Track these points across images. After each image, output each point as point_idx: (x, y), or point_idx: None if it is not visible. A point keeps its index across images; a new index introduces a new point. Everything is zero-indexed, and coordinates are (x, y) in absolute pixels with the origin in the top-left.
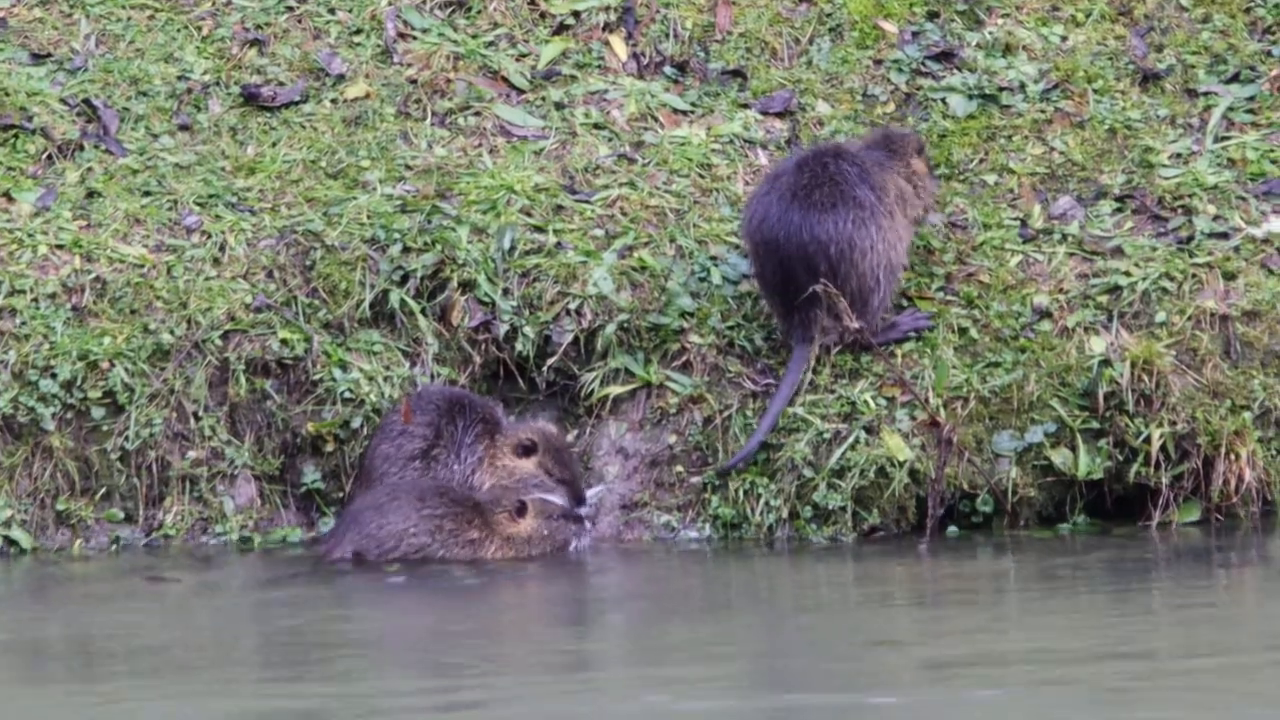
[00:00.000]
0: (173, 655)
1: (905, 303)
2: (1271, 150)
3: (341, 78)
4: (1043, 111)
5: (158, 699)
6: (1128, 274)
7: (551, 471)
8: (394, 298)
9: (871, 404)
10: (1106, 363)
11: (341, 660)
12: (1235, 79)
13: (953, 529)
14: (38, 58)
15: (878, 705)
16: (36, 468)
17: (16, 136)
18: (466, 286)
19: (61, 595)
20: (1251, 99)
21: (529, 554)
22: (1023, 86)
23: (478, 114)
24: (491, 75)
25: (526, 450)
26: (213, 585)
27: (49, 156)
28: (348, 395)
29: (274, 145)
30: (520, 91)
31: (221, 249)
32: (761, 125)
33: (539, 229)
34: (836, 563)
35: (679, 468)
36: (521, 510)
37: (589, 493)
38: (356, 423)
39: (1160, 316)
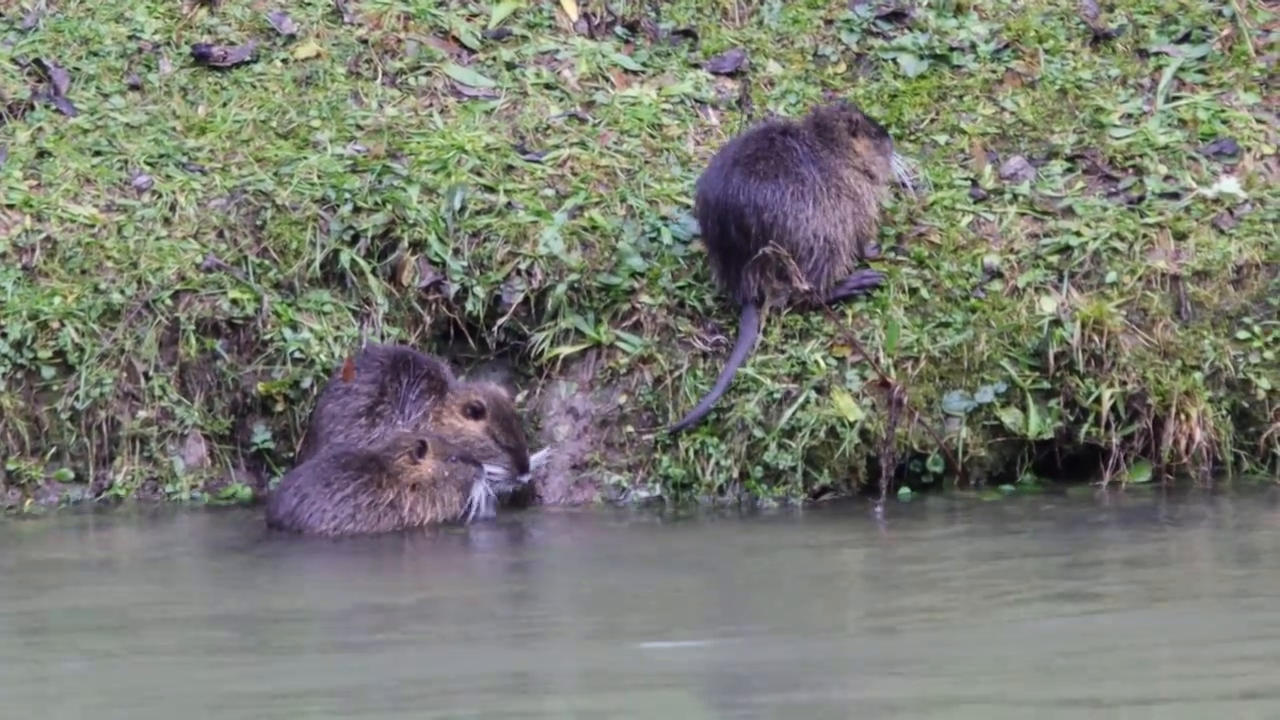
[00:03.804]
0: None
1: (856, 264)
2: (1222, 110)
3: (292, 37)
4: (994, 71)
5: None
6: (1078, 234)
7: (498, 437)
8: (344, 258)
9: (822, 364)
10: (1057, 323)
11: (291, 635)
12: (1186, 39)
13: (905, 490)
14: None
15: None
16: None
17: None
18: (417, 246)
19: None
20: (1203, 59)
21: (442, 505)
22: (974, 46)
23: (428, 74)
24: (442, 35)
25: (476, 412)
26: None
27: None
28: (298, 355)
29: (225, 105)
30: (471, 51)
31: (172, 209)
32: (712, 85)
33: (490, 189)
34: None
35: (629, 428)
36: (421, 450)
37: (534, 457)
38: (307, 383)
39: (1111, 276)
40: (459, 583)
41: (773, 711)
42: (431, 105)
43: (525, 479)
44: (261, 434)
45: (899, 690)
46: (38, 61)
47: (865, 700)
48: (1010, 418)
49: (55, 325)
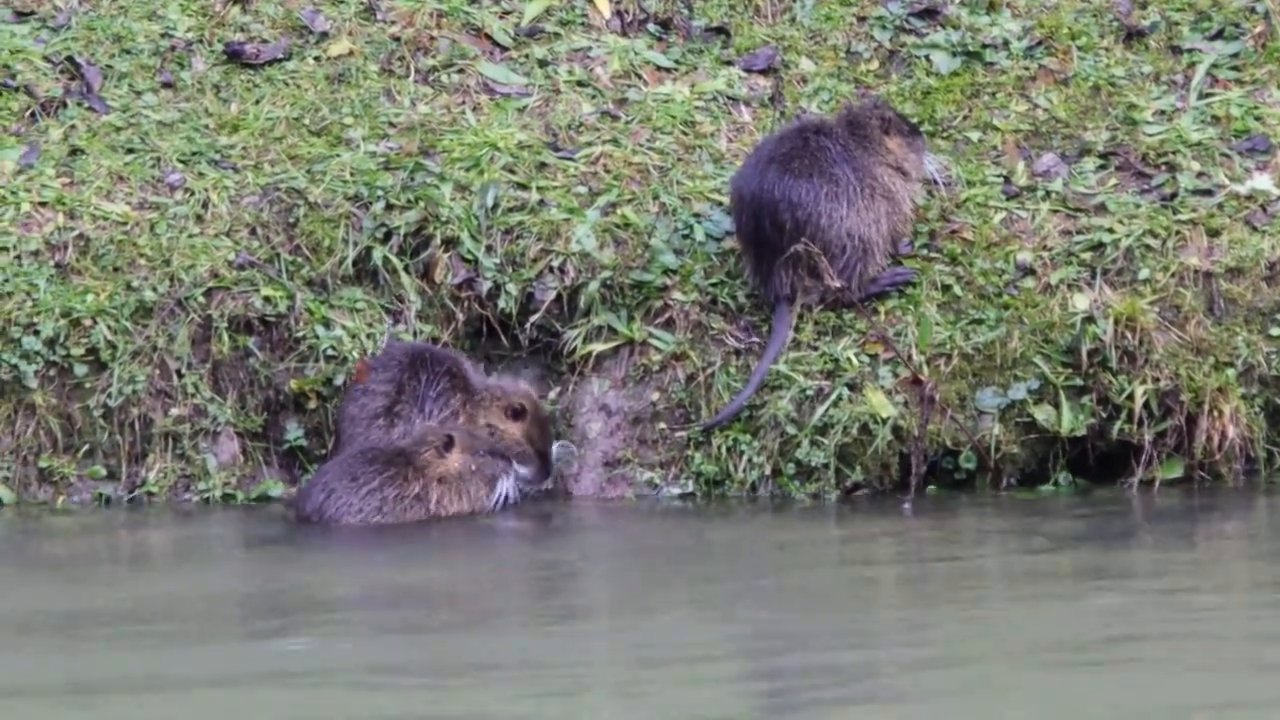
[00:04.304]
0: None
1: (889, 261)
2: (1255, 107)
3: (325, 35)
4: (1027, 68)
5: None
6: (1111, 231)
7: (534, 441)
8: (377, 255)
9: (854, 361)
10: (1090, 319)
11: (330, 618)
12: (1219, 36)
13: (931, 488)
14: (21, 15)
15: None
16: (19, 424)
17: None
18: (449, 244)
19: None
20: (1235, 55)
21: (468, 498)
22: (1006, 43)
23: (461, 71)
24: (475, 32)
25: (518, 414)
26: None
27: (32, 114)
28: (330, 352)
29: (257, 103)
30: (504, 49)
31: (205, 206)
32: (745, 82)
33: (522, 186)
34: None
35: (662, 425)
36: (448, 444)
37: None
38: (339, 380)
39: (1144, 273)
40: (489, 570)
41: (799, 700)
42: (464, 103)
43: (546, 484)
44: (294, 431)
45: (929, 685)
46: (70, 59)
47: (888, 697)
48: (1043, 414)
49: (88, 323)
